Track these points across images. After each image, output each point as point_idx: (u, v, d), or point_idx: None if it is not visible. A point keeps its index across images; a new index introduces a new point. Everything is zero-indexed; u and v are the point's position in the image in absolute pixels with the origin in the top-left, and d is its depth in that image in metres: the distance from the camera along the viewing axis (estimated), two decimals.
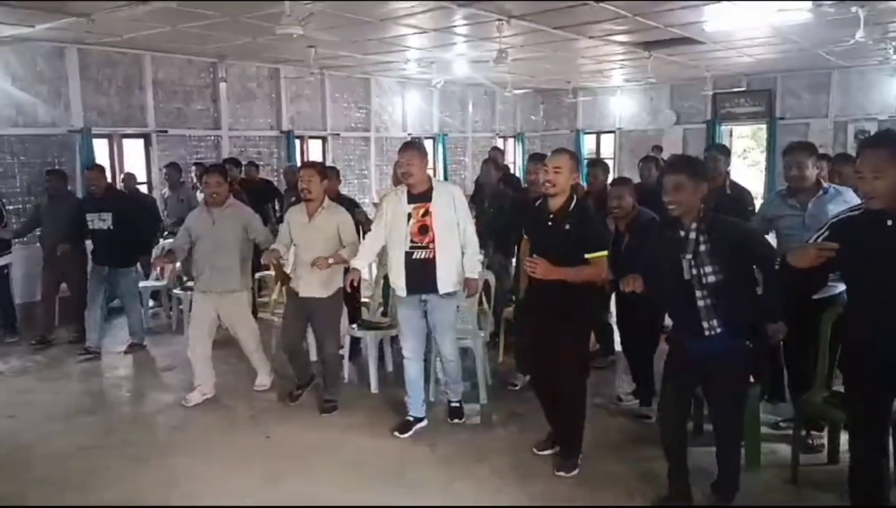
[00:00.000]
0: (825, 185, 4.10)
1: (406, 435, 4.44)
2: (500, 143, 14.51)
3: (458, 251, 4.33)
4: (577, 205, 3.75)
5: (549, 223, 3.74)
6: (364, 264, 4.62)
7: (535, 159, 5.59)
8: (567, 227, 3.68)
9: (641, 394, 4.69)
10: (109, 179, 6.70)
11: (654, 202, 4.73)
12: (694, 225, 3.19)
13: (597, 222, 3.97)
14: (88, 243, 6.42)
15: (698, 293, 3.19)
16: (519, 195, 5.95)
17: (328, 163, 10.72)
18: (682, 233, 3.22)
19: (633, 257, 3.86)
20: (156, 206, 8.21)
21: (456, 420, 4.59)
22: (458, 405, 4.65)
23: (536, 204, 3.93)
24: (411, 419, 4.54)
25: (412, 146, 4.52)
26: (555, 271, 3.61)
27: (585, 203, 3.95)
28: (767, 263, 3.18)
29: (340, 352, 5.44)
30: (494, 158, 8.57)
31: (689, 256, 3.18)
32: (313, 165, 4.99)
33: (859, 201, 4.00)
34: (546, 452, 4.01)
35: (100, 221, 6.15)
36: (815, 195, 4.04)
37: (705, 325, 3.19)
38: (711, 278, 3.16)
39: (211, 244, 5.00)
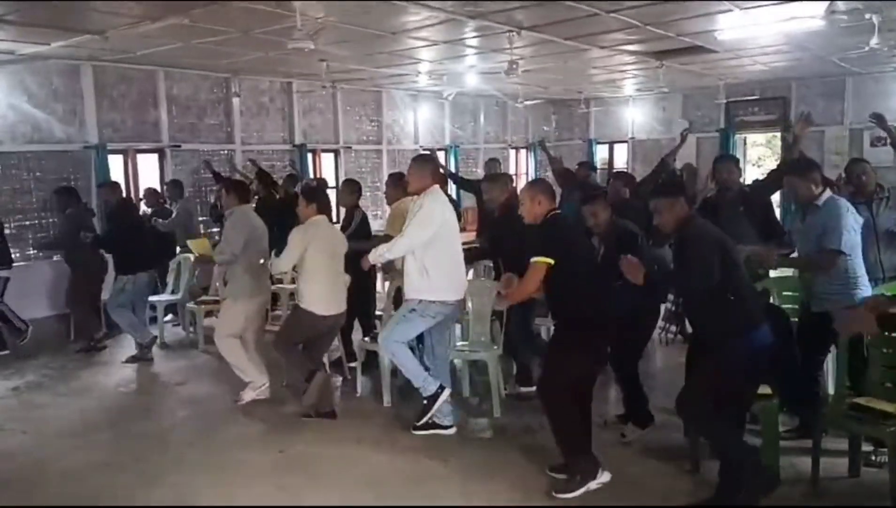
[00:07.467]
0: (824, 197, 4.14)
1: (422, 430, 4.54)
2: (512, 154, 14.49)
3: None
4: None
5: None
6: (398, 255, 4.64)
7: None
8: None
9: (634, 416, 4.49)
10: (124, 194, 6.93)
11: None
12: None
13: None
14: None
15: None
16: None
17: (341, 175, 10.76)
18: None
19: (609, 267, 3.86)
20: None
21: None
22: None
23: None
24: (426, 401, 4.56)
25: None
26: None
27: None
28: None
29: (353, 365, 5.56)
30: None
31: None
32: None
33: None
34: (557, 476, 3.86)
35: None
36: (814, 206, 4.14)
37: None
38: None
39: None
